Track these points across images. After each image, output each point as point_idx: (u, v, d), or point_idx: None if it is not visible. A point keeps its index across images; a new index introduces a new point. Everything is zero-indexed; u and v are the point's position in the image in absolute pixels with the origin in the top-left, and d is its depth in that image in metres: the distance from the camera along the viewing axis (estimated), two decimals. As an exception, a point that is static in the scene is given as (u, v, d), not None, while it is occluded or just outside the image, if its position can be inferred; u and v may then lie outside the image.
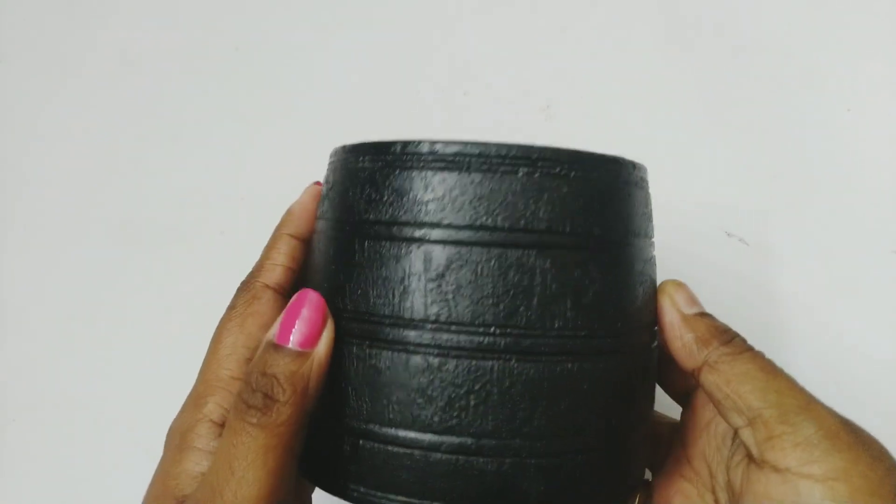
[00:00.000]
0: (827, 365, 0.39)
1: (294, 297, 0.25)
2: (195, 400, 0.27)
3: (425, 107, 0.49)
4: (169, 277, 0.43)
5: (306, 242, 0.29)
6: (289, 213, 0.30)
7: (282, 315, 0.25)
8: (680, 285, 0.27)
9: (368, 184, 0.24)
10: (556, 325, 0.23)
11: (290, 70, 0.51)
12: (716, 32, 0.51)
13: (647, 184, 0.28)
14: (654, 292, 0.27)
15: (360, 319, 0.24)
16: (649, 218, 0.28)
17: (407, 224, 0.23)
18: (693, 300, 0.27)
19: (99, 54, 0.53)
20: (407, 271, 0.23)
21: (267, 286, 0.28)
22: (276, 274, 0.29)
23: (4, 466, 0.39)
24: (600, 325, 0.24)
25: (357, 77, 0.50)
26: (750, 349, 0.26)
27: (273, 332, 0.24)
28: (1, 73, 0.53)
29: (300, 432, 0.24)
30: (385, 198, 0.24)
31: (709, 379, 0.25)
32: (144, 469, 0.38)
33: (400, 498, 0.23)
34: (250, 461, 0.22)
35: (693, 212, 0.44)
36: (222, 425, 0.26)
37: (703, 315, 0.27)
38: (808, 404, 0.24)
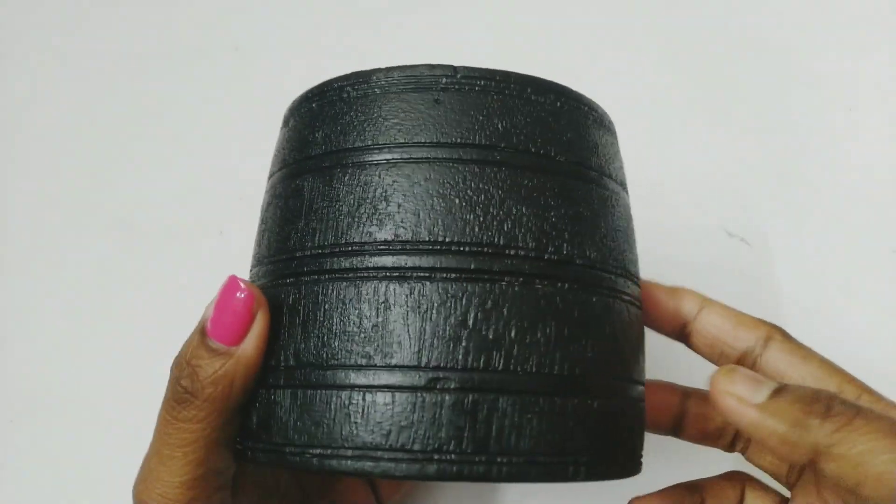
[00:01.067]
0: (827, 365, 0.39)
1: (227, 282, 0.23)
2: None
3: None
4: (168, 277, 0.43)
5: None
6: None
7: (215, 298, 0.23)
8: (732, 370, 0.22)
9: (352, 112, 0.23)
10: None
11: (290, 70, 0.51)
12: (716, 32, 0.51)
13: (616, 134, 0.27)
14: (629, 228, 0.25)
15: (311, 256, 0.22)
16: (620, 164, 0.26)
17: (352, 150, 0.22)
18: (756, 380, 0.22)
19: (98, 53, 0.53)
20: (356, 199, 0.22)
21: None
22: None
23: (3, 467, 0.39)
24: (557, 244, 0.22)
25: (357, 77, 0.50)
26: (858, 411, 0.20)
27: (207, 315, 0.23)
28: (0, 73, 0.53)
29: (226, 425, 0.23)
30: (373, 122, 0.22)
31: (830, 468, 0.20)
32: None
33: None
34: (171, 451, 0.23)
35: (694, 211, 0.44)
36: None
37: (779, 392, 0.21)
38: None
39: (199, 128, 0.49)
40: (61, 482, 0.38)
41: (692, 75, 0.49)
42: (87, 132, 0.49)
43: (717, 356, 0.27)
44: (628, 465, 0.23)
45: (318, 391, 0.20)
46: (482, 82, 0.23)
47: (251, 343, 0.22)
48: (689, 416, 0.28)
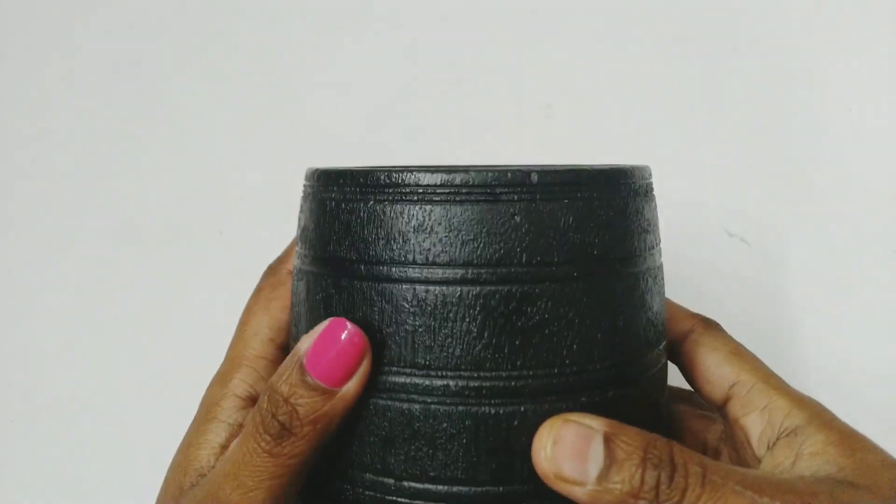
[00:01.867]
0: (827, 365, 0.39)
1: (329, 323, 0.23)
2: (222, 377, 0.28)
3: (425, 107, 0.49)
4: (168, 277, 0.43)
5: None
6: None
7: (316, 334, 0.23)
8: (553, 438, 0.21)
9: (345, 217, 0.23)
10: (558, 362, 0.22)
11: (289, 69, 0.51)
12: (716, 32, 0.51)
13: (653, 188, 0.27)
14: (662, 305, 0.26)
15: None
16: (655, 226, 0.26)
17: (388, 263, 0.22)
18: (580, 452, 0.21)
19: (98, 53, 0.53)
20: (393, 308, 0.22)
21: (291, 272, 0.29)
22: None
23: (3, 466, 0.39)
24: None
25: (356, 76, 0.50)
26: (703, 480, 0.20)
27: (304, 349, 0.23)
28: (0, 73, 0.53)
29: (311, 461, 0.23)
30: (363, 234, 0.23)
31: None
32: (143, 468, 0.38)
33: None
34: (256, 483, 0.22)
35: (694, 211, 0.44)
36: (246, 399, 0.27)
37: (609, 469, 0.20)
38: None
39: (199, 128, 0.49)
40: (61, 482, 0.38)
41: (692, 75, 0.49)
42: (87, 132, 0.49)
43: None
44: None
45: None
46: (495, 181, 0.22)
47: (355, 384, 0.22)
48: None
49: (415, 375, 0.22)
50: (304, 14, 0.53)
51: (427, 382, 0.22)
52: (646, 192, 0.25)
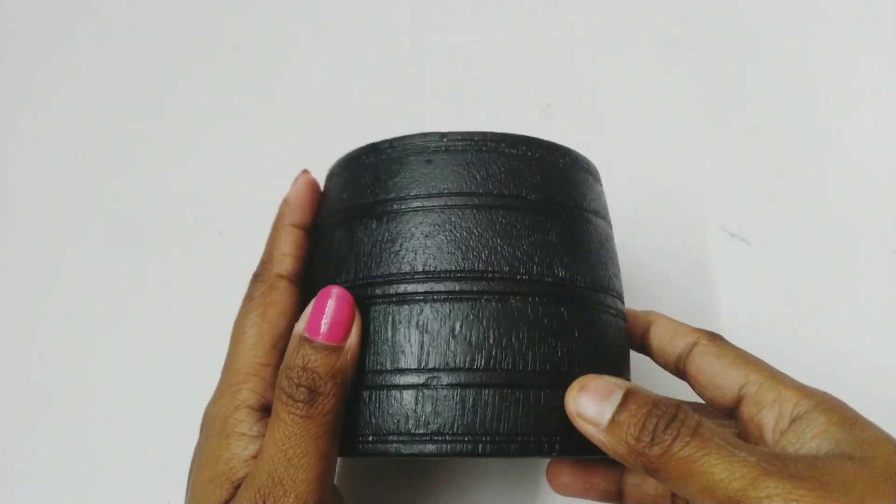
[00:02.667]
0: (827, 365, 0.39)
1: (319, 294, 0.26)
2: (228, 387, 0.28)
3: (425, 106, 0.49)
4: (168, 277, 0.43)
5: (307, 231, 0.31)
6: (286, 203, 0.32)
7: (310, 310, 0.26)
8: (580, 387, 0.25)
9: (367, 175, 0.28)
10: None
11: (289, 69, 0.51)
12: (716, 32, 0.51)
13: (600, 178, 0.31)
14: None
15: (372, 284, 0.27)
16: (595, 197, 0.30)
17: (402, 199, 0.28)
18: (601, 394, 0.24)
19: (98, 53, 0.53)
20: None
21: (281, 276, 0.30)
22: (286, 263, 0.30)
23: (3, 466, 0.39)
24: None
25: (356, 76, 0.50)
26: (696, 430, 0.23)
27: (302, 326, 0.26)
28: (0, 73, 0.53)
29: (341, 416, 0.26)
30: (381, 182, 0.28)
31: (661, 479, 0.23)
32: (143, 468, 0.38)
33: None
34: (304, 449, 0.24)
35: (695, 211, 0.44)
36: (259, 410, 0.28)
37: (623, 406, 0.24)
38: None
39: (199, 128, 0.49)
40: (61, 482, 0.38)
41: (692, 75, 0.49)
42: (87, 132, 0.49)
43: (664, 364, 0.31)
44: None
45: (361, 391, 0.26)
46: (463, 143, 0.28)
47: (355, 334, 0.26)
48: (628, 488, 0.31)
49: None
50: (305, 14, 0.53)
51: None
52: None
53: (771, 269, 0.42)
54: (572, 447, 0.25)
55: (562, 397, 0.25)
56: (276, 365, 0.28)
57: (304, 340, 0.25)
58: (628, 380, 0.29)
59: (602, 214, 0.31)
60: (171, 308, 0.42)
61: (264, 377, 0.28)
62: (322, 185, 0.32)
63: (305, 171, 0.32)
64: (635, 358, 0.31)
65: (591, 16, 0.52)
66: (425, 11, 0.53)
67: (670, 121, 0.47)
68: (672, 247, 0.43)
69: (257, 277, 0.30)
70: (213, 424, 0.27)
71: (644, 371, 0.32)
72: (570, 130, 0.46)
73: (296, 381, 0.25)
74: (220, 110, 0.50)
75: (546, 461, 0.36)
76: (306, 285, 0.30)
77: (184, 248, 0.44)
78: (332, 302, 0.26)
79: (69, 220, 0.46)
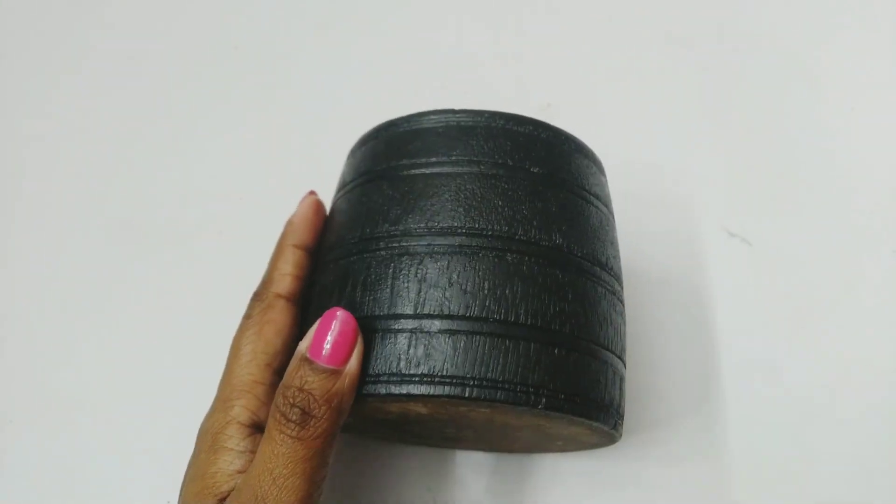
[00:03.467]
0: (827, 365, 0.39)
1: (324, 315, 0.26)
2: (222, 403, 0.28)
3: (425, 106, 0.49)
4: (168, 277, 0.43)
5: (309, 252, 0.31)
6: (290, 224, 0.32)
7: (314, 330, 0.26)
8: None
9: (382, 145, 0.31)
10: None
11: (289, 69, 0.51)
12: (716, 32, 0.51)
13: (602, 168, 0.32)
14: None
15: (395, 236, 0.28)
16: (597, 182, 0.31)
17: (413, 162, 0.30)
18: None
19: (98, 53, 0.53)
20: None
21: (279, 295, 0.30)
22: (285, 283, 0.30)
23: (3, 466, 0.39)
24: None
25: (356, 76, 0.50)
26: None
27: (305, 346, 0.26)
28: (1, 72, 0.53)
29: (333, 441, 0.26)
30: (395, 150, 0.30)
31: None
32: (143, 469, 0.38)
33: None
34: (290, 470, 0.25)
35: (695, 211, 0.44)
36: (249, 426, 0.28)
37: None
38: None
39: (199, 128, 0.49)
40: (61, 482, 0.38)
41: (693, 75, 0.49)
42: (87, 132, 0.49)
43: None
44: (602, 413, 0.27)
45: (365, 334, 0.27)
46: (473, 119, 0.30)
47: (356, 360, 0.26)
48: None
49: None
50: (305, 14, 0.53)
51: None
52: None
53: (771, 269, 0.42)
54: (557, 404, 0.26)
55: (551, 353, 0.26)
56: (270, 383, 0.28)
57: (305, 361, 0.26)
58: (623, 359, 0.29)
59: (604, 201, 0.31)
60: (170, 308, 0.42)
61: (257, 394, 0.28)
62: (328, 207, 0.33)
63: (312, 193, 0.33)
64: (635, 350, 0.31)
65: (591, 16, 0.52)
66: (425, 11, 0.53)
67: (670, 121, 0.47)
68: (672, 247, 0.42)
69: (257, 296, 0.31)
70: (206, 439, 0.28)
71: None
72: (569, 130, 0.46)
73: (291, 400, 0.25)
74: (221, 110, 0.50)
75: (539, 456, 0.36)
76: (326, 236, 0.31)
77: (183, 248, 0.44)
78: (336, 324, 0.26)
79: (69, 221, 0.46)
